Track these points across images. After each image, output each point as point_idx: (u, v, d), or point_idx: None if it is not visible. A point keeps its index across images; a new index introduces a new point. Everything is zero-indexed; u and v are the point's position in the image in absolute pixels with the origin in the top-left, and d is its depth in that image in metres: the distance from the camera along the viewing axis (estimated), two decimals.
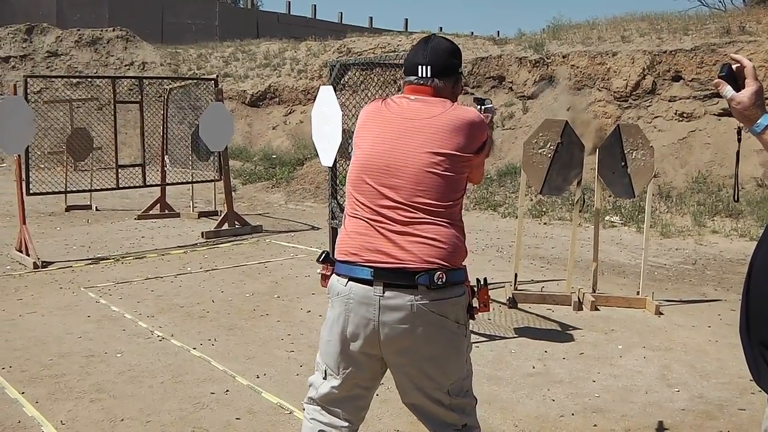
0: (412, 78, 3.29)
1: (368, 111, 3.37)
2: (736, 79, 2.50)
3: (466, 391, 3.25)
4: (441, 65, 3.28)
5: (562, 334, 7.04)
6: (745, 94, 2.41)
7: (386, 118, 3.23)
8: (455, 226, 3.16)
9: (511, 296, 7.93)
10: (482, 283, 3.37)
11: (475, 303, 3.30)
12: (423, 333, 3.04)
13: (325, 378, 3.28)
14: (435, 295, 3.03)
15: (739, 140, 3.08)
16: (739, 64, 2.48)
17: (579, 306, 7.83)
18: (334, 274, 3.21)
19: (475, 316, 3.27)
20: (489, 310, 3.44)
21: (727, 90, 2.48)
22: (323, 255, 3.30)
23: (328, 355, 3.25)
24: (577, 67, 17.00)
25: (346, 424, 3.31)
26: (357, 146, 3.28)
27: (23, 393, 5.40)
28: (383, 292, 3.03)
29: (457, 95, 3.41)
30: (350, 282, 3.10)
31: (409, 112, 3.20)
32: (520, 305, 7.89)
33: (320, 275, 3.35)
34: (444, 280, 3.03)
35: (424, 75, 3.26)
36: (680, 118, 14.95)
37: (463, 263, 3.20)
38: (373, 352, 3.15)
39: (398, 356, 3.12)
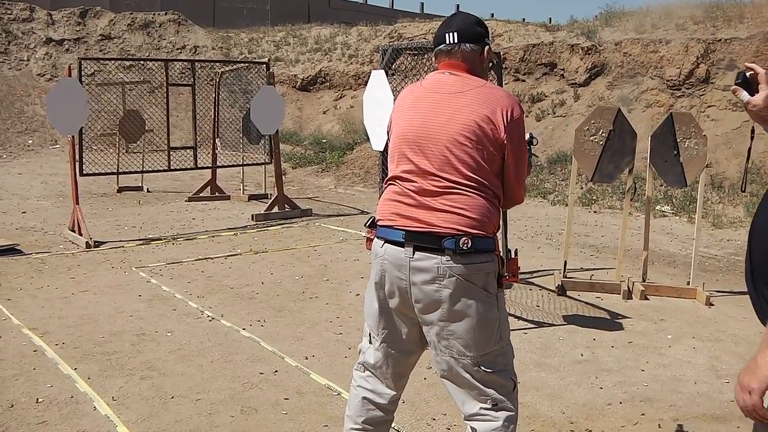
0: (442, 46, 3.42)
1: (405, 91, 3.55)
2: (750, 85, 2.73)
3: (500, 369, 3.28)
4: (467, 31, 3.40)
5: (610, 322, 7.00)
6: (760, 97, 2.66)
7: (421, 94, 3.38)
8: (487, 197, 3.23)
9: (560, 284, 7.90)
10: (513, 253, 3.50)
11: (505, 273, 3.44)
12: (449, 295, 3.16)
13: (370, 342, 3.47)
14: (461, 259, 3.14)
15: (752, 138, 3.42)
16: (753, 72, 2.72)
17: (628, 295, 7.78)
18: (375, 238, 3.39)
19: (503, 284, 3.36)
20: (518, 280, 3.56)
21: (744, 95, 2.73)
22: (370, 220, 3.49)
23: (370, 316, 3.45)
24: (630, 55, 16.84)
25: (389, 391, 3.49)
26: (394, 123, 3.44)
27: (76, 369, 5.50)
28: (413, 254, 3.19)
29: (486, 65, 3.51)
30: (386, 244, 3.30)
31: (442, 86, 3.33)
32: (569, 293, 7.86)
33: (365, 239, 3.55)
34: (469, 245, 3.14)
35: (451, 41, 3.38)
36: (734, 108, 14.72)
37: (494, 233, 3.29)
38: (410, 315, 3.31)
39: (428, 317, 3.24)
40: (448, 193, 3.17)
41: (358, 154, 18.21)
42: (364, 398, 3.47)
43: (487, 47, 3.44)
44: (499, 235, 3.69)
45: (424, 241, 3.17)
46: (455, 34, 3.36)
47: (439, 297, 3.16)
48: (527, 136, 4.05)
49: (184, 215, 12.51)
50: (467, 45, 3.36)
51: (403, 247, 3.21)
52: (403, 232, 3.21)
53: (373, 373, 3.48)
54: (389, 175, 3.40)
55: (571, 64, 18.05)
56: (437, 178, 3.19)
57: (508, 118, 3.20)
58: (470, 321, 3.17)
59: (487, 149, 3.18)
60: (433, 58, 3.51)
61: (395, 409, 3.55)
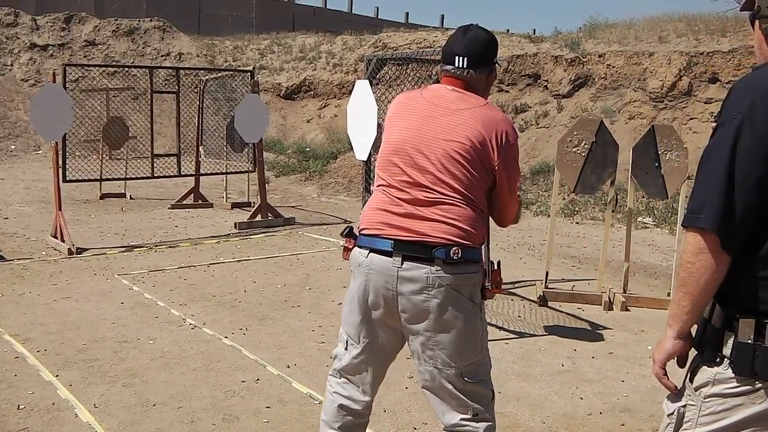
0: (449, 68, 3.38)
1: (403, 97, 3.53)
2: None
3: (482, 379, 3.31)
4: (477, 57, 3.36)
5: (591, 333, 7.04)
6: None
7: (419, 104, 3.37)
8: (476, 209, 3.25)
9: (541, 294, 7.93)
10: (495, 265, 3.52)
11: (488, 284, 3.46)
12: (437, 306, 3.16)
13: (346, 349, 3.46)
14: (450, 269, 3.14)
15: None
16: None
17: (609, 306, 7.82)
18: (355, 247, 3.37)
19: (488, 296, 3.39)
20: (501, 291, 3.55)
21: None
22: (347, 230, 3.49)
23: (349, 324, 3.43)
24: (613, 67, 16.94)
25: (365, 398, 3.49)
26: (388, 129, 3.43)
27: (57, 376, 5.49)
28: (401, 264, 3.17)
29: (491, 85, 3.52)
30: (371, 253, 3.27)
31: (443, 101, 3.32)
32: (550, 303, 7.89)
33: (342, 248, 3.53)
34: (459, 255, 3.14)
35: (460, 65, 3.35)
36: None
37: (480, 244, 3.29)
38: (393, 324, 3.31)
39: (414, 327, 3.24)
40: (438, 204, 3.18)
41: (342, 163, 18.22)
42: (341, 405, 3.47)
43: (494, 72, 3.44)
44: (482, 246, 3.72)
45: (413, 250, 3.16)
46: (465, 59, 3.33)
47: (427, 307, 3.16)
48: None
49: (166, 223, 12.49)
50: (475, 72, 3.35)
51: (390, 256, 3.20)
52: (392, 242, 3.19)
53: (349, 380, 3.48)
54: (378, 183, 3.39)
55: (554, 76, 18.15)
56: (428, 191, 3.19)
57: (503, 142, 3.22)
58: (456, 332, 3.19)
59: (479, 169, 3.20)
60: (439, 69, 3.50)
61: (370, 413, 3.57)
